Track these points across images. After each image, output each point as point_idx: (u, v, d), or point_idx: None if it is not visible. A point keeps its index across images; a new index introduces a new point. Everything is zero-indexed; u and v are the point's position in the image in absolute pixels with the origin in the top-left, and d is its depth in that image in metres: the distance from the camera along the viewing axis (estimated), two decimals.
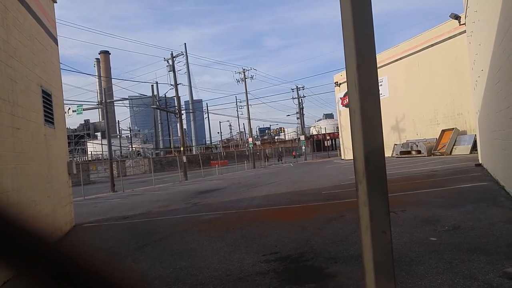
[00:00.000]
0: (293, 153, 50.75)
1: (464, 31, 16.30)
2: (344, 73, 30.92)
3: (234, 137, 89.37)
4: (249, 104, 40.47)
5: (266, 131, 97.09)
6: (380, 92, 0.98)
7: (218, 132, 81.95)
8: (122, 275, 0.44)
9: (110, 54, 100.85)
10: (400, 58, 26.92)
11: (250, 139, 41.04)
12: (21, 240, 0.40)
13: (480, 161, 13.34)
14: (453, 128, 22.07)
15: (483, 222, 5.34)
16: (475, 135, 17.05)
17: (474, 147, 18.90)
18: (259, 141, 61.64)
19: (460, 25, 18.56)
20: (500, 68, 6.77)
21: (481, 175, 10.38)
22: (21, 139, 6.60)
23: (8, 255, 0.40)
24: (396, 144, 25.78)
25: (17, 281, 0.39)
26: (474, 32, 11.53)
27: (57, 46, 10.03)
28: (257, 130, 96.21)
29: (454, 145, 21.46)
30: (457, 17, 18.80)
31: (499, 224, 5.16)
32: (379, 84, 1.00)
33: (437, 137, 23.01)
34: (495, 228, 4.97)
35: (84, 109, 25.76)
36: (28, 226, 0.42)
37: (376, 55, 0.96)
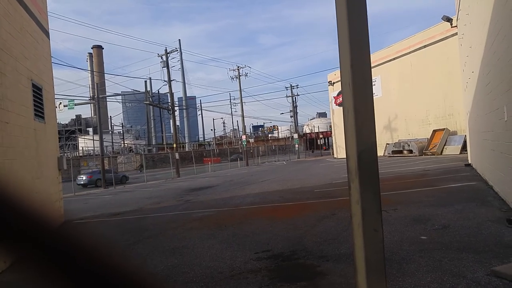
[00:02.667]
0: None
1: (456, 33, 16.46)
2: (338, 72, 30.97)
3: (227, 134, 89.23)
4: (243, 101, 40.45)
5: (260, 128, 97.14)
6: (373, 92, 0.98)
7: (212, 129, 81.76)
8: (125, 262, 0.44)
9: (103, 48, 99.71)
10: (394, 59, 27.12)
11: (244, 137, 41.00)
12: (22, 224, 0.40)
13: (469, 161, 13.53)
14: (444, 129, 22.34)
15: (472, 221, 5.42)
16: (465, 135, 17.28)
17: (464, 148, 19.15)
18: (253, 139, 61.60)
19: (452, 27, 18.73)
20: (490, 71, 6.86)
21: (470, 175, 10.53)
22: (10, 134, 6.50)
23: (9, 239, 0.39)
24: (388, 144, 26.00)
25: (18, 266, 0.39)
26: (465, 35, 11.65)
27: (49, 39, 9.87)
28: (251, 127, 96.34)
29: (444, 145, 21.73)
30: (449, 20, 18.97)
31: (487, 223, 5.24)
32: (373, 83, 1.01)
33: (429, 137, 23.27)
34: (484, 227, 5.05)
35: (75, 104, 25.47)
36: (31, 210, 0.41)
37: (370, 55, 0.97)
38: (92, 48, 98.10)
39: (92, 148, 56.65)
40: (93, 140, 54.23)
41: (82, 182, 24.53)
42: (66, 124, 68.70)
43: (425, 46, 24.30)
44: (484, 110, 8.34)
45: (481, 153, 9.74)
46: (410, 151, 23.55)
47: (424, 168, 14.44)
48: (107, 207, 12.20)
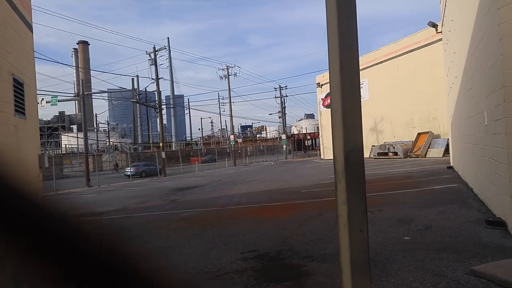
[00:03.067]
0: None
1: (441, 39, 16.83)
2: (326, 74, 31.32)
3: (215, 134, 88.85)
4: (231, 101, 40.35)
5: (248, 129, 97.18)
6: (360, 94, 1.00)
7: (199, 129, 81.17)
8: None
9: (89, 44, 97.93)
10: (381, 62, 27.53)
11: (232, 137, 40.92)
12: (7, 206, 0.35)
13: (451, 164, 13.84)
14: (428, 132, 22.78)
15: (453, 222, 5.55)
16: (448, 138, 17.67)
17: (446, 150, 19.57)
18: (241, 139, 61.59)
19: (437, 33, 19.15)
20: (473, 76, 7.04)
21: (452, 177, 10.78)
22: None
23: None
24: (374, 146, 26.35)
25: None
26: (449, 40, 11.92)
27: (32, 33, 9.64)
28: (239, 127, 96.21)
29: (428, 148, 22.16)
30: (434, 25, 19.39)
31: (467, 224, 5.39)
32: (360, 86, 1.03)
33: (413, 140, 23.68)
34: (464, 228, 5.18)
35: (59, 101, 24.92)
36: (16, 187, 0.36)
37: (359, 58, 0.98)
38: (77, 43, 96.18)
39: (76, 146, 55.55)
40: (77, 137, 53.20)
41: (129, 173, 28.02)
42: (49, 121, 67.17)
43: (411, 51, 24.76)
44: (466, 114, 8.55)
45: (462, 156, 9.97)
46: (395, 153, 23.92)
47: (409, 170, 14.71)
48: (90, 206, 11.98)
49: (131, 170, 28.36)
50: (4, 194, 0.36)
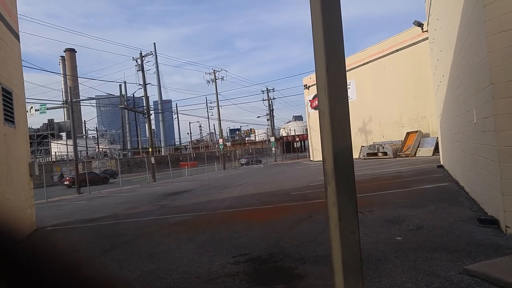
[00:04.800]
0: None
1: (427, 38, 17.08)
2: (313, 76, 31.50)
3: (204, 138, 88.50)
4: (219, 105, 40.30)
5: (237, 132, 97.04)
6: (348, 95, 0.99)
7: (188, 133, 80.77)
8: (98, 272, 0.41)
9: (76, 52, 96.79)
10: (368, 62, 27.80)
11: (221, 140, 40.81)
12: None
13: (441, 163, 14.00)
14: (417, 131, 23.04)
15: (445, 221, 5.59)
16: (437, 137, 17.90)
17: (436, 149, 19.83)
18: (230, 142, 61.50)
19: (422, 32, 19.46)
20: (460, 74, 7.13)
21: (442, 176, 10.89)
22: None
23: None
24: (363, 146, 26.55)
25: None
26: (435, 39, 12.09)
27: (19, 42, 9.55)
28: (228, 131, 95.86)
29: (418, 147, 22.40)
30: (420, 24, 19.70)
31: (459, 223, 5.42)
32: (347, 87, 1.02)
33: (402, 139, 23.92)
34: (456, 227, 5.22)
35: (48, 109, 24.62)
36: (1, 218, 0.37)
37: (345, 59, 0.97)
38: (64, 51, 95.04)
39: (66, 153, 54.77)
40: (67, 145, 52.48)
41: (243, 163, 42.41)
42: (38, 129, 66.13)
43: (397, 50, 25.07)
44: (454, 112, 8.66)
45: (452, 154, 10.09)
46: (385, 153, 24.13)
47: (398, 170, 14.83)
48: (81, 213, 11.80)
49: (244, 161, 43.10)
50: None
